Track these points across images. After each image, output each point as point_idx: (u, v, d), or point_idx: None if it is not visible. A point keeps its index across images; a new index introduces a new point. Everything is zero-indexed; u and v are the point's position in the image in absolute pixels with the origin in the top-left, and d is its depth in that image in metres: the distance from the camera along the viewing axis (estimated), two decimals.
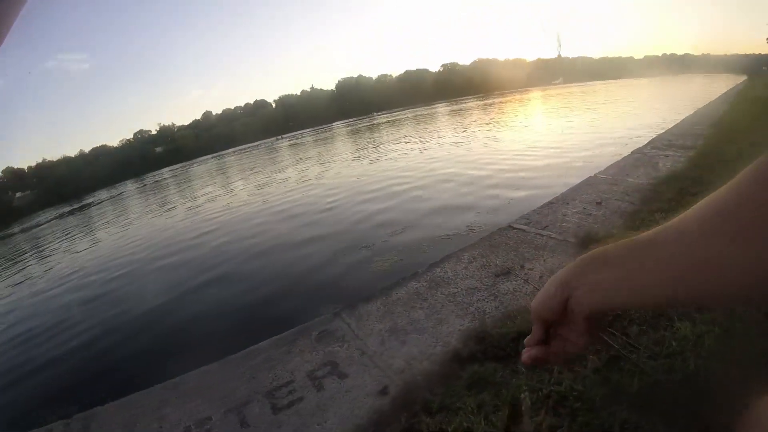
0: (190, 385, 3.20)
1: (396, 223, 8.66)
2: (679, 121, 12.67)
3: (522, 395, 1.01)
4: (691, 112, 14.86)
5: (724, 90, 25.59)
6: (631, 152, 8.11)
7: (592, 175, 6.90)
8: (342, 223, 9.90)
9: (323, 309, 4.29)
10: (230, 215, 14.30)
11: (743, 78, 45.17)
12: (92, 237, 19.00)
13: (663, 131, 10.52)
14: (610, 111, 26.07)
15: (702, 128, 8.78)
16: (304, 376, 3.08)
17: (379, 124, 56.18)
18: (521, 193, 8.96)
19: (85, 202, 40.47)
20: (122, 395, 3.26)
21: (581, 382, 2.37)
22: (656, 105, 25.38)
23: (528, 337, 0.79)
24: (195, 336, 5.86)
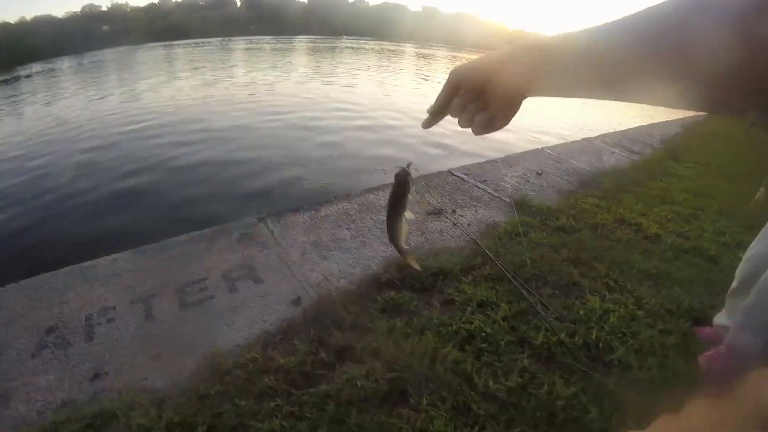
0: (99, 271, 3.00)
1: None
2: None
3: None
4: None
5: None
6: (581, 139, 8.26)
7: (540, 147, 6.99)
8: (283, 139, 9.59)
9: (248, 213, 4.11)
10: (169, 112, 13.48)
11: None
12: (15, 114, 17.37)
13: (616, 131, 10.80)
14: None
15: (654, 140, 9.07)
16: (219, 276, 2.99)
17: (342, 48, 54.46)
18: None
19: (16, 74, 36.85)
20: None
21: (490, 326, 2.41)
22: None
23: (431, 105, 0.83)
24: (110, 226, 5.55)
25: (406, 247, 1.12)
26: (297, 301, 2.76)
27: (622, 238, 3.79)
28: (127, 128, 11.27)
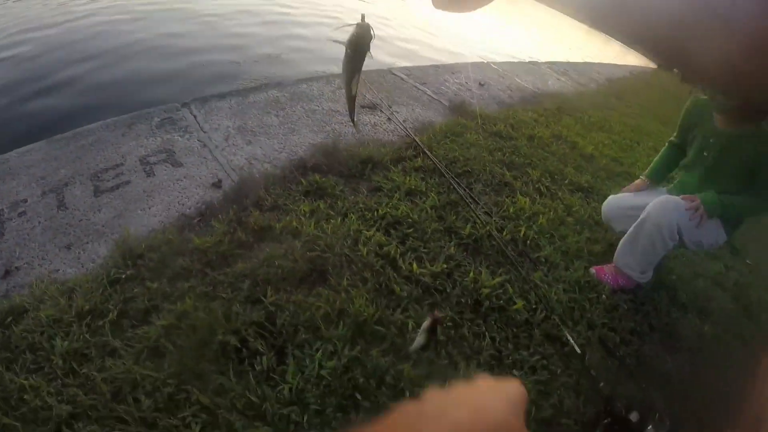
0: (10, 164, 2.68)
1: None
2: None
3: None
4: None
5: None
6: (528, 61, 8.17)
7: (485, 62, 6.85)
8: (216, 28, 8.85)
9: (171, 101, 3.76)
10: None
11: None
12: None
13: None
14: None
15: (601, 78, 9.09)
16: (136, 161, 2.75)
17: None
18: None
19: None
20: None
21: (417, 213, 2.33)
22: None
23: None
24: (24, 118, 4.95)
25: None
26: (218, 184, 2.63)
27: (557, 152, 3.78)
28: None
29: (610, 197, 2.57)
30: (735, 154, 2.08)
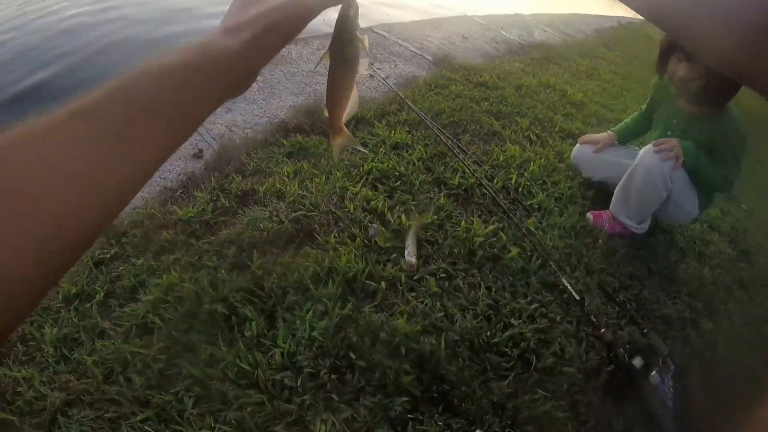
0: None
1: None
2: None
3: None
4: None
5: None
6: (513, 14, 7.98)
7: (467, 14, 6.68)
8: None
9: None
10: None
11: None
12: None
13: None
14: None
15: (588, 29, 8.90)
16: None
17: None
18: None
19: None
20: None
21: (404, 166, 2.26)
22: None
23: None
24: None
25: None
26: (199, 154, 2.54)
27: (546, 100, 3.70)
28: None
29: (579, 146, 2.63)
30: (695, 135, 2.09)
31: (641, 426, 1.61)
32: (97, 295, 1.71)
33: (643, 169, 2.09)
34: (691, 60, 1.94)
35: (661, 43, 2.09)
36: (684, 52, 1.95)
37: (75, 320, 1.62)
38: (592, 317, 1.80)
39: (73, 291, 1.72)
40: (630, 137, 2.57)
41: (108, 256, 1.88)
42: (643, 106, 2.49)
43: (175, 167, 2.43)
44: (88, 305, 1.68)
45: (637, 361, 1.68)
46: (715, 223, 2.89)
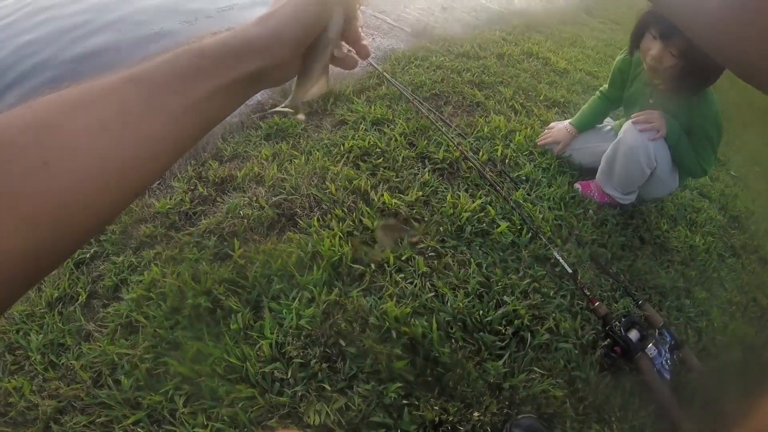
0: None
1: None
2: None
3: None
4: None
5: None
6: None
7: None
8: None
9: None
10: None
11: None
12: None
13: None
14: None
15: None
16: None
17: None
18: None
19: None
20: None
21: (386, 142, 2.21)
22: None
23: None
24: None
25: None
26: None
27: (529, 69, 3.64)
28: None
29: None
30: (672, 116, 2.04)
31: (640, 399, 1.60)
32: (80, 297, 1.69)
33: (626, 147, 2.06)
34: (665, 39, 1.86)
35: (638, 19, 2.01)
36: (659, 31, 1.88)
37: (60, 325, 1.60)
38: (585, 290, 1.78)
39: (56, 294, 1.70)
40: (591, 125, 2.50)
41: (88, 255, 1.85)
42: (603, 87, 2.41)
43: None
44: (71, 308, 1.66)
45: (634, 334, 1.67)
46: (705, 190, 2.88)
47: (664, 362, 1.66)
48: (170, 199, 2.05)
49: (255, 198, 1.94)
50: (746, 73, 0.58)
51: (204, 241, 1.83)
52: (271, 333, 1.46)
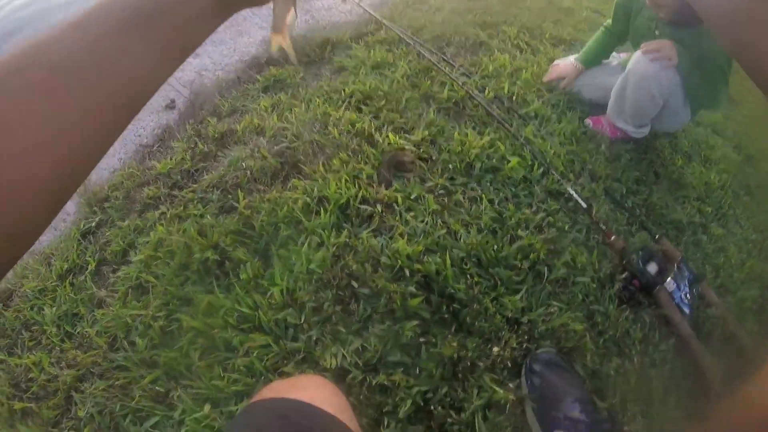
0: None
1: None
2: None
3: None
4: None
5: None
6: None
7: None
8: None
9: None
10: None
11: None
12: None
13: None
14: None
15: None
16: None
17: None
18: None
19: None
20: None
21: (388, 85, 2.16)
22: None
23: None
24: None
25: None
26: (171, 105, 2.49)
27: (533, 8, 3.53)
28: None
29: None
30: (684, 47, 1.94)
31: (659, 333, 1.58)
32: (89, 266, 1.70)
33: (636, 77, 1.99)
34: None
35: None
36: None
37: (72, 295, 1.62)
38: (601, 225, 1.75)
39: (66, 266, 1.72)
40: (598, 60, 2.42)
41: (93, 224, 1.87)
42: (607, 23, 2.32)
43: (149, 122, 2.38)
44: (82, 278, 1.68)
45: (652, 267, 1.64)
46: (719, 128, 2.82)
47: (683, 296, 1.64)
48: (171, 159, 2.05)
49: (257, 149, 1.91)
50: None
51: (208, 195, 1.82)
52: (282, 280, 1.45)
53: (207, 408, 1.26)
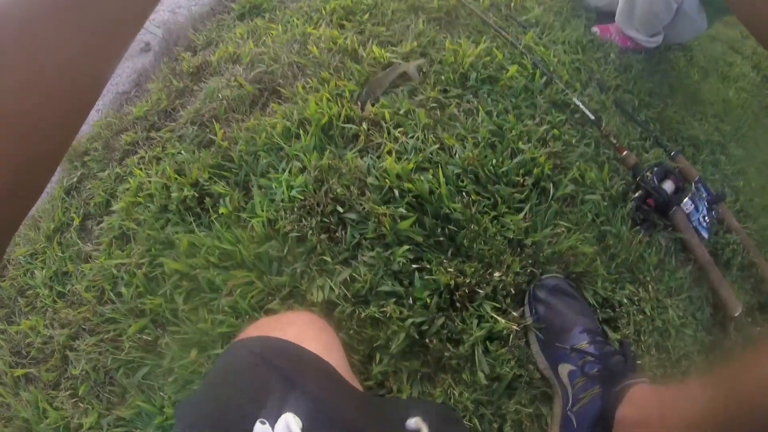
0: None
1: None
2: None
3: None
4: None
5: None
6: None
7: None
8: None
9: None
10: None
11: None
12: None
13: None
14: None
15: None
16: None
17: None
18: None
19: None
20: None
21: None
22: None
23: None
24: None
25: None
26: (146, 48, 2.43)
27: None
28: None
29: None
30: None
31: (675, 259, 1.48)
32: (74, 222, 1.67)
33: None
34: None
35: None
36: None
37: (60, 254, 1.61)
38: (611, 138, 1.61)
39: (53, 226, 1.70)
40: None
41: (75, 180, 1.83)
42: None
43: (125, 69, 2.31)
44: (68, 235, 1.65)
45: (668, 185, 1.51)
46: (737, 45, 2.65)
47: (701, 219, 1.54)
48: (147, 101, 1.97)
49: (233, 78, 1.79)
50: None
51: (184, 132, 1.73)
52: (263, 210, 1.34)
53: (194, 353, 1.20)
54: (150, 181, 1.57)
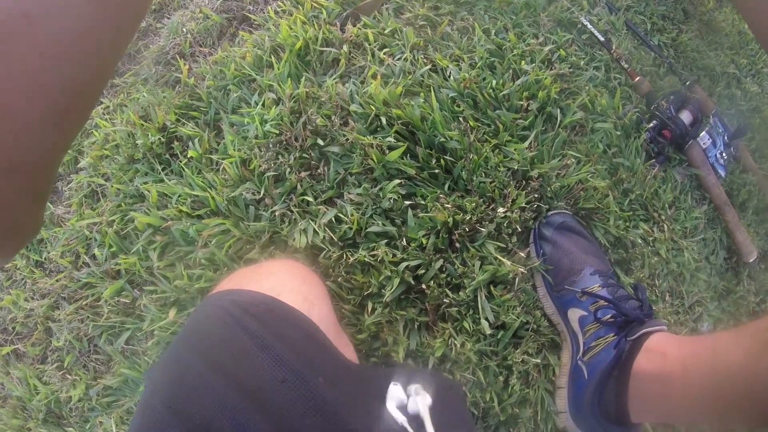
0: None
1: None
2: None
3: None
4: None
5: None
6: None
7: None
8: None
9: None
10: None
11: None
12: None
13: None
14: None
15: None
16: None
17: None
18: None
19: None
20: None
21: None
22: None
23: None
24: None
25: None
26: None
27: None
28: None
29: None
30: None
31: (691, 197, 1.42)
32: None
33: None
34: None
35: None
36: None
37: None
38: (623, 63, 1.50)
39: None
40: None
41: None
42: None
43: None
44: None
45: (686, 116, 1.42)
46: None
47: (718, 155, 1.46)
48: None
49: (198, 9, 1.65)
50: None
51: (148, 74, 1.61)
52: (235, 150, 1.24)
53: (172, 313, 1.15)
54: (115, 131, 1.47)
